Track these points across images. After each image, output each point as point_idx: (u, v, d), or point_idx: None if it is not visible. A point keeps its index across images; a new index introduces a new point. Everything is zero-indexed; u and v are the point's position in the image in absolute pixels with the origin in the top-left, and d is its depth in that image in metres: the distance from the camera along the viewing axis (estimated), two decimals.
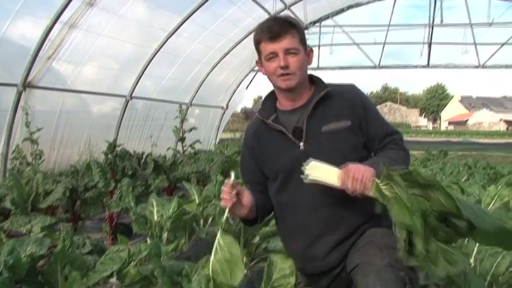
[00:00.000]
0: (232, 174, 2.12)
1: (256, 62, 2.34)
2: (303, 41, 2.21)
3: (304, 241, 2.25)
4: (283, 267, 2.06)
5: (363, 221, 2.20)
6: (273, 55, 2.16)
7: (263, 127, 2.31)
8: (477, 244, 3.27)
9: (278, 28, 2.15)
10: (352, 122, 2.19)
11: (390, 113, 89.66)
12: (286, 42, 2.13)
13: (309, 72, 2.32)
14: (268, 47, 2.17)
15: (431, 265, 1.73)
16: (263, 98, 2.40)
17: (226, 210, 2.10)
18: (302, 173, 2.06)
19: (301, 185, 2.13)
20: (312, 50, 2.30)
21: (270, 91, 2.39)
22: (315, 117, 2.20)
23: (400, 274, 1.86)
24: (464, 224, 1.71)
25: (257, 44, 2.24)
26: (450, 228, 1.77)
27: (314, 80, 2.32)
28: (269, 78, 2.27)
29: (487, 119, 76.58)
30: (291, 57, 2.14)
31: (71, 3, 7.85)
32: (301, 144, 2.20)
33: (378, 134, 2.24)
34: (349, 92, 2.28)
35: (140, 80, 11.51)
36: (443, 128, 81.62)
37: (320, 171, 2.02)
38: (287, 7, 13.82)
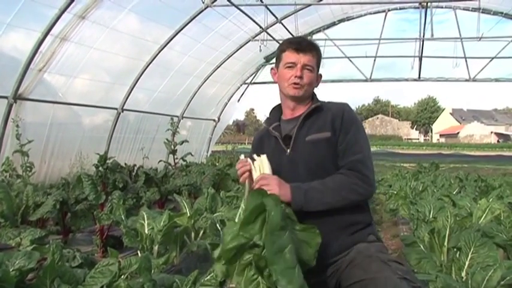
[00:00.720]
0: (242, 156, 2.39)
1: (271, 69, 2.55)
2: (318, 65, 2.45)
3: None
4: None
5: (337, 233, 2.26)
6: (293, 65, 2.37)
7: (266, 133, 2.53)
8: (469, 258, 3.28)
9: (305, 44, 2.40)
10: (332, 133, 2.32)
11: (382, 125, 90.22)
12: (307, 58, 2.37)
13: None
14: (291, 56, 2.38)
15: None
16: (271, 109, 2.61)
17: (246, 184, 2.27)
18: (287, 176, 2.26)
19: None
20: (320, 76, 2.51)
21: (278, 103, 2.59)
22: (304, 127, 2.38)
23: (417, 285, 1.99)
24: None
25: (281, 52, 2.45)
26: None
27: (313, 97, 2.51)
28: (280, 85, 2.46)
29: (478, 132, 77.10)
30: (307, 72, 2.38)
31: (63, 16, 7.87)
32: (288, 151, 2.38)
33: (342, 148, 2.32)
34: (337, 107, 2.42)
35: (132, 93, 11.52)
36: (434, 141, 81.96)
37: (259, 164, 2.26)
38: (279, 20, 13.88)
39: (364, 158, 2.30)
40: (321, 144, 2.31)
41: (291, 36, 15.11)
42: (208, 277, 2.82)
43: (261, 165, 2.25)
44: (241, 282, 1.79)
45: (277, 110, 2.56)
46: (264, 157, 2.26)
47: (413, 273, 2.04)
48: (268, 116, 2.60)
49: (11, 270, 2.68)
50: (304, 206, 2.17)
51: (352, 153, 2.28)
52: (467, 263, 3.25)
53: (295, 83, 2.35)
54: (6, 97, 7.97)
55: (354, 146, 2.30)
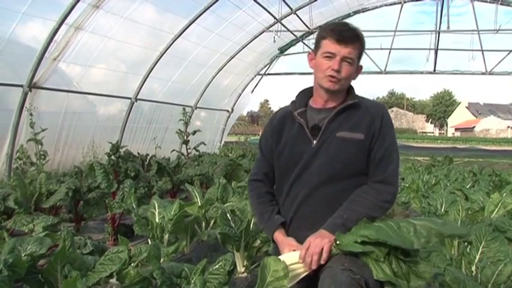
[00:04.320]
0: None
1: (309, 53, 2.42)
2: (360, 56, 2.33)
3: (291, 231, 2.35)
4: (276, 269, 2.05)
5: None
6: (332, 55, 2.25)
7: (290, 116, 2.42)
8: (479, 252, 3.26)
9: (348, 35, 2.25)
10: (366, 136, 2.25)
11: (396, 118, 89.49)
12: (348, 50, 2.24)
13: None
14: (331, 46, 2.25)
15: (404, 282, 2.00)
16: (299, 91, 2.49)
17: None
18: (307, 167, 2.27)
19: (299, 178, 2.30)
20: (361, 68, 2.40)
21: (307, 87, 2.48)
22: (336, 121, 2.29)
23: (356, 277, 1.93)
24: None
25: (321, 38, 2.31)
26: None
27: (350, 90, 2.40)
28: (316, 74, 2.35)
29: (494, 126, 76.18)
30: (345, 65, 2.25)
31: (77, 5, 7.89)
32: (315, 142, 2.30)
33: (379, 155, 2.27)
34: (375, 107, 2.34)
35: (146, 82, 11.55)
36: (449, 135, 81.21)
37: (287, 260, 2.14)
38: (293, 11, 13.81)
39: (397, 168, 2.28)
40: (352, 144, 2.24)
41: (305, 27, 15.04)
42: (217, 266, 2.84)
43: (287, 258, 2.15)
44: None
45: (305, 94, 2.45)
46: (285, 257, 2.17)
47: (365, 267, 2.01)
48: (295, 98, 2.48)
49: (22, 255, 2.73)
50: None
51: (388, 162, 2.26)
52: (477, 257, 3.22)
53: (331, 76, 2.24)
54: (21, 86, 8.02)
55: (391, 155, 2.27)
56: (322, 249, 2.07)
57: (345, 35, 2.24)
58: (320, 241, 2.09)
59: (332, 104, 2.33)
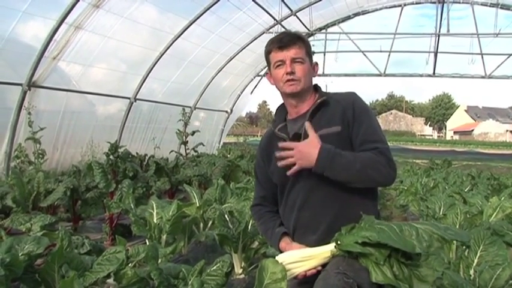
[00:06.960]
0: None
1: (266, 74, 2.51)
2: (309, 53, 2.37)
3: (297, 238, 2.37)
4: (274, 271, 2.04)
5: (341, 225, 2.22)
6: (281, 63, 2.32)
7: (274, 135, 2.46)
8: (477, 256, 3.25)
9: (287, 39, 2.33)
10: (343, 127, 2.26)
11: (395, 121, 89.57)
12: (294, 51, 2.30)
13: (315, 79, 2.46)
14: (277, 55, 2.33)
15: (406, 286, 1.99)
16: (275, 110, 2.54)
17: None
18: (298, 175, 2.25)
19: (294, 187, 2.33)
20: (317, 64, 2.44)
21: (281, 104, 2.51)
22: (312, 123, 2.29)
23: (348, 281, 1.93)
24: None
25: (268, 54, 2.40)
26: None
27: (317, 90, 2.44)
28: (277, 86, 2.40)
29: (492, 130, 76.32)
30: (297, 66, 2.31)
31: (77, 4, 7.88)
32: None
33: (359, 140, 2.26)
34: (346, 98, 2.35)
35: (145, 82, 11.55)
36: (448, 138, 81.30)
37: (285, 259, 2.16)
38: (293, 13, 13.85)
39: (385, 146, 2.26)
40: (331, 139, 2.23)
41: (305, 29, 15.06)
42: (215, 267, 2.83)
43: (285, 257, 2.17)
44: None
45: (282, 111, 2.50)
46: (282, 256, 2.19)
47: (362, 271, 2.00)
48: (274, 117, 2.54)
49: (20, 254, 2.72)
50: (327, 171, 2.14)
51: (372, 142, 2.23)
52: (475, 261, 3.21)
53: (288, 80, 2.30)
54: (20, 84, 8.02)
55: (372, 135, 2.26)
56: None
57: (284, 40, 2.32)
58: (299, 151, 2.17)
59: (305, 109, 2.36)
